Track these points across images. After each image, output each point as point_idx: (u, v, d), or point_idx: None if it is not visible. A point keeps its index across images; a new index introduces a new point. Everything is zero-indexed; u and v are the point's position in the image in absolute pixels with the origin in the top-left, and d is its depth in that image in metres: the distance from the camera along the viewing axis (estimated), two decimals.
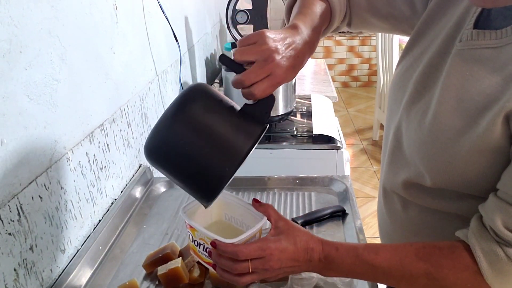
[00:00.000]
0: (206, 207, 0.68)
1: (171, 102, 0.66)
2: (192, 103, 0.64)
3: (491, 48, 0.62)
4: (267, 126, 0.69)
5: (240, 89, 0.67)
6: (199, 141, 0.62)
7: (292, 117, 1.79)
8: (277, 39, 0.66)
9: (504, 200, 0.59)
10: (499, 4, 0.58)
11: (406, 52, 0.80)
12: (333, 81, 4.40)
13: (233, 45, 1.89)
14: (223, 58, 0.69)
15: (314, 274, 0.78)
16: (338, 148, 1.56)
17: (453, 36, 0.69)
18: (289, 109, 1.70)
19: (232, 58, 0.68)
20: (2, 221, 0.67)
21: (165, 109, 0.66)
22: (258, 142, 0.66)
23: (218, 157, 0.62)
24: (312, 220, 1.02)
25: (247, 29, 1.98)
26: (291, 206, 1.11)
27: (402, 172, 0.76)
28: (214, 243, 0.69)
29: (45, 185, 0.78)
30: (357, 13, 0.87)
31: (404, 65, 0.79)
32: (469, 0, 0.61)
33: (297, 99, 1.86)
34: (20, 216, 0.71)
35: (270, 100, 0.68)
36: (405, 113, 0.74)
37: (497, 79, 0.59)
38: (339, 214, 1.05)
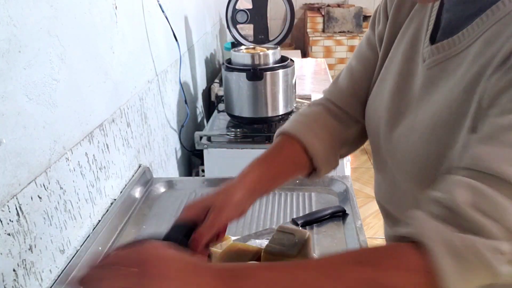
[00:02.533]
0: None
1: None
2: None
3: (455, 55, 0.60)
4: None
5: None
6: None
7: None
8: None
9: (469, 177, 0.48)
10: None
11: (373, 82, 0.77)
12: None
13: (233, 45, 1.88)
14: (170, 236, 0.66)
15: None
16: None
17: (412, 57, 0.67)
18: (289, 109, 1.69)
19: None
20: (1, 221, 0.67)
21: None
22: None
23: None
24: (312, 220, 1.02)
25: (247, 29, 1.98)
26: (291, 206, 1.10)
27: (407, 205, 0.65)
28: None
29: (44, 185, 0.78)
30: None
31: (374, 95, 0.76)
32: None
33: (297, 99, 1.86)
34: (19, 216, 0.71)
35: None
36: (387, 143, 0.70)
37: (464, 82, 0.57)
38: (340, 215, 1.04)
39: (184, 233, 0.64)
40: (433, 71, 0.63)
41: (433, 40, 0.65)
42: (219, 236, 0.68)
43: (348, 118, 0.81)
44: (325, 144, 0.77)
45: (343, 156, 0.82)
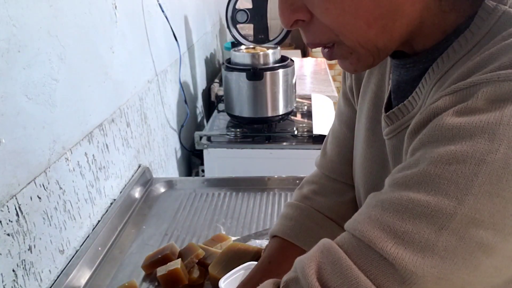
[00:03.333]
0: None
1: None
2: None
3: (399, 132, 0.52)
4: None
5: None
6: None
7: (292, 117, 1.79)
8: None
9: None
10: (365, 64, 0.49)
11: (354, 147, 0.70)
12: (334, 80, 4.40)
13: (233, 45, 1.88)
14: None
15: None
16: None
17: (377, 121, 0.59)
18: (289, 109, 1.69)
19: None
20: (0, 221, 0.66)
21: None
22: None
23: None
24: None
25: (247, 29, 1.98)
26: None
27: None
28: None
29: (43, 185, 0.78)
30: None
31: (354, 159, 0.70)
32: (340, 66, 0.51)
33: (297, 99, 1.86)
34: (18, 217, 0.71)
35: None
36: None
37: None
38: None
39: None
40: (393, 142, 0.55)
41: (389, 104, 0.56)
42: None
43: (346, 186, 0.75)
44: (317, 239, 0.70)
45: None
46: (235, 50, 1.68)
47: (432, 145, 0.40)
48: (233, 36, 1.83)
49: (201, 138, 1.62)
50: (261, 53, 1.62)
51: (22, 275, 0.72)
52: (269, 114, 1.64)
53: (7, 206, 0.68)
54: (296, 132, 1.64)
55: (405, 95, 0.52)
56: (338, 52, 0.48)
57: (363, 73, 0.64)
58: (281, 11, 0.46)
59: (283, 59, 1.68)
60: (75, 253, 0.89)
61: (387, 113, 0.54)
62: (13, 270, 0.69)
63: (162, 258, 0.86)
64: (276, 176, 1.22)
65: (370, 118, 0.61)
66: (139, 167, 1.24)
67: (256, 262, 0.74)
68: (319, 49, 0.51)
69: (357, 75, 0.66)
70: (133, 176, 1.20)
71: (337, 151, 0.75)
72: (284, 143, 1.60)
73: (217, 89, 2.05)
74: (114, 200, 1.08)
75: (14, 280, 0.69)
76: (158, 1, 1.41)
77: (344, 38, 0.46)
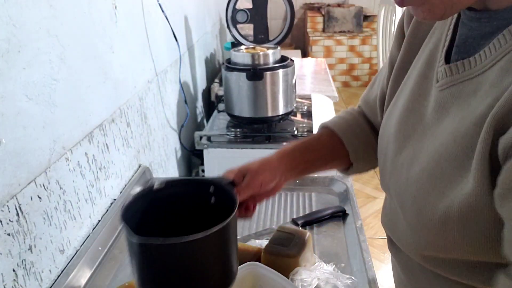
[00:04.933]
0: None
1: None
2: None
3: (469, 79, 0.53)
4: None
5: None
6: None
7: (292, 117, 1.79)
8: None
9: None
10: (438, 13, 0.50)
11: (388, 100, 0.73)
12: (334, 80, 4.40)
13: (233, 45, 1.88)
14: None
15: (315, 275, 0.77)
16: None
17: (426, 76, 0.62)
18: (289, 109, 1.69)
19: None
20: (1, 221, 0.66)
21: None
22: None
23: None
24: (312, 220, 1.02)
25: (247, 29, 1.98)
26: (292, 206, 1.10)
27: (405, 239, 0.63)
28: None
29: (44, 185, 0.78)
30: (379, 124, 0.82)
31: (386, 114, 0.72)
32: (412, 13, 0.54)
33: (297, 99, 1.86)
34: (19, 217, 0.71)
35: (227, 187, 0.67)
36: (392, 167, 0.65)
37: (476, 114, 0.50)
38: (340, 215, 1.04)
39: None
40: (445, 93, 0.57)
41: (448, 58, 0.58)
42: (254, 203, 0.73)
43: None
44: (361, 142, 0.81)
45: None
46: (235, 50, 1.68)
47: None
48: (233, 36, 1.83)
49: (201, 138, 1.62)
50: (261, 53, 1.62)
51: (23, 275, 0.72)
52: (269, 114, 1.64)
53: (8, 206, 0.68)
54: (296, 132, 1.64)
55: (469, 50, 0.54)
56: (429, 5, 0.50)
57: (420, 37, 0.66)
58: None
59: (283, 59, 1.68)
60: (75, 253, 0.89)
61: (449, 65, 0.56)
62: (14, 270, 0.69)
63: None
64: None
65: (420, 74, 0.63)
66: (139, 167, 1.24)
67: (256, 262, 0.75)
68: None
69: (412, 40, 0.68)
70: (133, 176, 1.20)
71: (379, 97, 0.79)
72: (284, 143, 1.60)
73: (217, 89, 2.05)
74: (114, 200, 1.08)
75: (14, 279, 0.69)
76: (158, 1, 1.41)
77: None
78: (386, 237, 0.74)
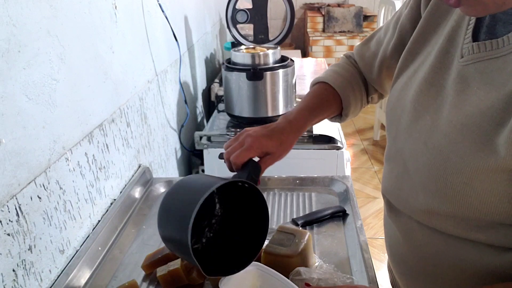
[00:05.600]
0: (207, 275, 0.69)
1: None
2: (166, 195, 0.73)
3: (495, 58, 0.59)
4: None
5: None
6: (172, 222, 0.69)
7: None
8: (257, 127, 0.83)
9: None
10: (489, 11, 0.55)
11: (399, 72, 0.78)
12: None
13: (233, 45, 1.88)
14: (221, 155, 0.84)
15: (315, 275, 0.77)
16: (338, 148, 1.55)
17: (447, 51, 0.67)
18: (289, 109, 1.69)
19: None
20: (0, 221, 0.66)
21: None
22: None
23: (177, 229, 0.67)
24: (312, 220, 1.02)
25: (247, 29, 1.98)
26: (291, 206, 1.10)
27: (413, 198, 0.70)
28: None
29: (44, 185, 0.78)
30: (373, 80, 0.93)
31: (399, 85, 0.76)
32: (461, 11, 0.58)
33: (297, 99, 1.86)
34: (18, 217, 0.71)
35: (253, 167, 0.77)
36: (407, 134, 0.71)
37: (505, 90, 0.56)
38: (340, 215, 1.04)
39: None
40: (468, 69, 0.62)
41: (474, 37, 0.63)
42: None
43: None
44: (356, 99, 0.93)
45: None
46: (235, 50, 1.68)
47: None
48: (233, 36, 1.83)
49: (201, 138, 1.62)
50: (261, 53, 1.62)
51: (22, 275, 0.72)
52: (269, 114, 1.64)
53: (7, 206, 0.68)
54: None
55: (497, 32, 0.60)
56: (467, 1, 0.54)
57: (442, 11, 0.71)
58: None
59: (283, 59, 1.68)
60: (75, 253, 0.89)
61: (478, 42, 0.61)
62: (13, 270, 0.69)
63: (162, 258, 0.86)
64: (276, 176, 1.22)
65: (441, 50, 0.68)
66: (139, 167, 1.24)
67: (257, 263, 0.75)
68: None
69: (433, 14, 0.72)
70: (133, 176, 1.20)
71: (377, 57, 0.88)
72: None
73: (217, 89, 2.05)
74: (114, 200, 1.08)
75: (14, 280, 0.69)
76: (158, 1, 1.41)
77: None
78: (384, 209, 0.82)
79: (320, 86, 0.93)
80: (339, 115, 0.95)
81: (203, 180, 0.71)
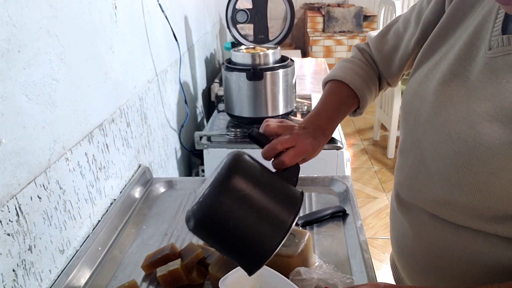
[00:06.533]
0: (250, 275, 0.67)
1: (216, 176, 0.66)
2: (237, 177, 0.65)
3: None
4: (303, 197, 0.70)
5: (271, 160, 0.77)
6: (248, 218, 0.63)
7: (292, 117, 1.79)
8: (300, 122, 0.82)
9: None
10: None
11: (418, 64, 0.78)
12: None
13: (233, 45, 1.88)
14: (252, 134, 0.78)
15: (315, 275, 0.77)
16: (338, 148, 1.55)
17: (473, 44, 0.67)
18: (289, 109, 1.69)
19: (260, 130, 0.80)
20: (0, 221, 0.66)
21: (210, 180, 0.66)
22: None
23: (265, 231, 0.63)
24: (312, 220, 1.02)
25: (247, 29, 1.98)
26: None
27: (429, 188, 0.70)
28: None
29: (44, 185, 0.78)
30: (391, 75, 0.94)
31: (418, 76, 0.76)
32: (502, 6, 0.58)
33: (297, 99, 1.86)
34: (18, 217, 0.71)
35: (297, 169, 0.76)
36: (428, 124, 0.70)
37: None
38: (340, 215, 1.04)
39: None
40: (497, 61, 0.62)
41: (504, 30, 0.63)
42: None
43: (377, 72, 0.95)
44: (371, 95, 0.94)
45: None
46: (235, 50, 1.68)
47: None
48: (233, 36, 1.83)
49: (201, 138, 1.62)
50: (261, 53, 1.62)
51: (22, 275, 0.72)
52: (269, 114, 1.64)
53: (7, 206, 0.68)
54: None
55: None
56: None
57: (467, 4, 0.71)
58: None
59: (283, 59, 1.68)
60: (75, 253, 0.89)
61: (508, 35, 0.61)
62: (13, 270, 0.69)
63: (162, 258, 0.86)
64: None
65: (466, 42, 0.68)
66: (139, 167, 1.24)
67: None
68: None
69: (459, 6, 0.73)
70: (133, 176, 1.20)
71: (394, 52, 0.89)
72: None
73: (217, 89, 2.05)
74: (114, 200, 1.08)
75: (14, 280, 0.69)
76: (158, 1, 1.41)
77: None
78: (388, 238, 0.81)
79: (339, 87, 0.93)
80: (352, 112, 0.96)
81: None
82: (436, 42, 0.75)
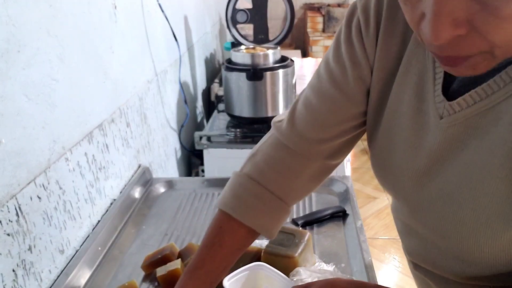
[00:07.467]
0: None
1: None
2: None
3: (486, 110, 0.49)
4: None
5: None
6: None
7: None
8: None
9: None
10: (480, 71, 0.44)
11: (372, 132, 0.67)
12: None
13: (233, 45, 1.88)
14: None
15: (315, 275, 0.77)
16: None
17: (420, 110, 0.57)
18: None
19: None
20: (0, 221, 0.66)
21: None
22: None
23: None
24: (312, 220, 1.02)
25: (247, 29, 1.98)
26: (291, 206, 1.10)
27: (444, 264, 0.61)
28: None
29: (43, 186, 0.78)
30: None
31: (377, 149, 0.67)
32: (453, 72, 0.47)
33: None
34: (18, 217, 0.71)
35: None
36: (415, 203, 0.62)
37: (501, 152, 0.48)
38: (340, 215, 1.04)
39: None
40: (457, 128, 0.53)
41: (445, 90, 0.54)
42: None
43: (305, 161, 0.72)
44: (275, 221, 0.72)
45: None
46: (235, 50, 1.68)
47: None
48: (233, 36, 1.83)
49: (201, 138, 1.62)
50: (261, 53, 1.62)
51: (22, 275, 0.72)
52: (269, 114, 1.64)
53: (7, 206, 0.68)
54: None
55: (476, 80, 0.49)
56: (474, 61, 0.43)
57: (392, 55, 0.60)
58: (437, 26, 0.39)
59: (283, 59, 1.68)
60: (75, 253, 0.89)
61: (456, 101, 0.51)
62: (13, 270, 0.69)
63: (162, 258, 0.86)
64: None
65: (412, 108, 0.58)
66: (139, 167, 1.24)
67: (262, 263, 0.74)
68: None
69: (384, 60, 0.61)
70: (133, 176, 1.19)
71: (312, 125, 0.69)
72: None
73: (217, 89, 2.05)
74: (114, 200, 1.08)
75: (14, 280, 0.69)
76: (158, 1, 1.41)
77: (501, 51, 0.41)
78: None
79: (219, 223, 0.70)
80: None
81: None
82: (378, 106, 0.64)
